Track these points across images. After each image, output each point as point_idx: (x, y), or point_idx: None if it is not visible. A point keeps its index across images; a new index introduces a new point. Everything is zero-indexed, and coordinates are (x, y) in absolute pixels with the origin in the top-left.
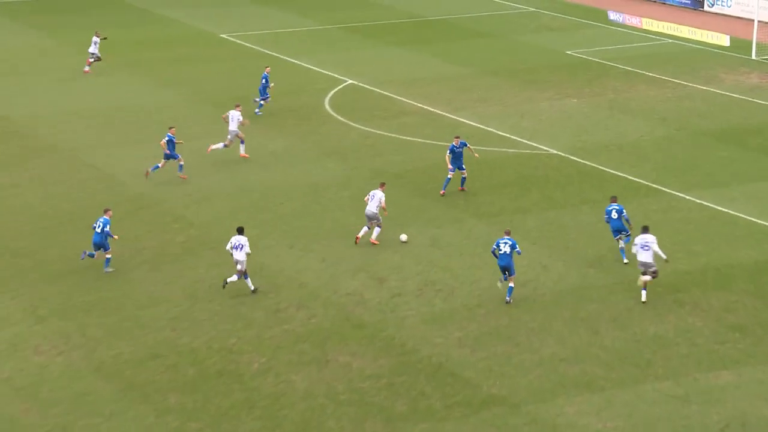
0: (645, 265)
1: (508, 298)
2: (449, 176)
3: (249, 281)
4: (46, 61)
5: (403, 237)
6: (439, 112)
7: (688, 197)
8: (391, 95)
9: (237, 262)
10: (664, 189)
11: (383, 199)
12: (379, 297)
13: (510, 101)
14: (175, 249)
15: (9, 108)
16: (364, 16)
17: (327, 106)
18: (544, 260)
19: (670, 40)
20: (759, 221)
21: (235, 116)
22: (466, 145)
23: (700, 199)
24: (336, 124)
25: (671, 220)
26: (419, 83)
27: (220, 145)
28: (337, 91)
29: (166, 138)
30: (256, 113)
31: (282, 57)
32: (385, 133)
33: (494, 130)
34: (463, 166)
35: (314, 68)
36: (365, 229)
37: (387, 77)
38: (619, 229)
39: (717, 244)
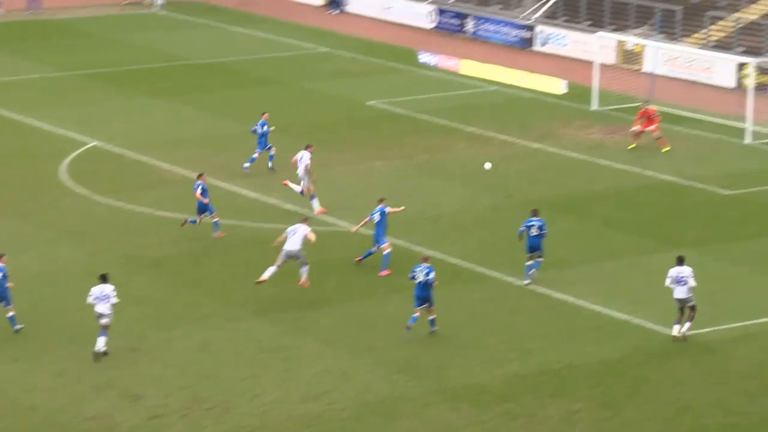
0: (681, 301)
1: (433, 329)
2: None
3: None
4: None
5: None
6: (210, 180)
7: (519, 282)
8: (148, 160)
9: (100, 315)
10: (489, 272)
11: (308, 232)
12: (133, 419)
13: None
14: None
15: None
16: (112, 59)
17: (64, 176)
18: (344, 366)
19: (495, 87)
20: (605, 310)
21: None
22: None
23: (533, 284)
24: (76, 198)
25: (499, 310)
26: (184, 145)
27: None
28: (76, 156)
29: (199, 188)
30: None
31: (3, 113)
32: (140, 209)
33: (279, 203)
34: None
35: (47, 127)
36: (272, 269)
37: (142, 137)
38: (535, 247)
39: (555, 339)
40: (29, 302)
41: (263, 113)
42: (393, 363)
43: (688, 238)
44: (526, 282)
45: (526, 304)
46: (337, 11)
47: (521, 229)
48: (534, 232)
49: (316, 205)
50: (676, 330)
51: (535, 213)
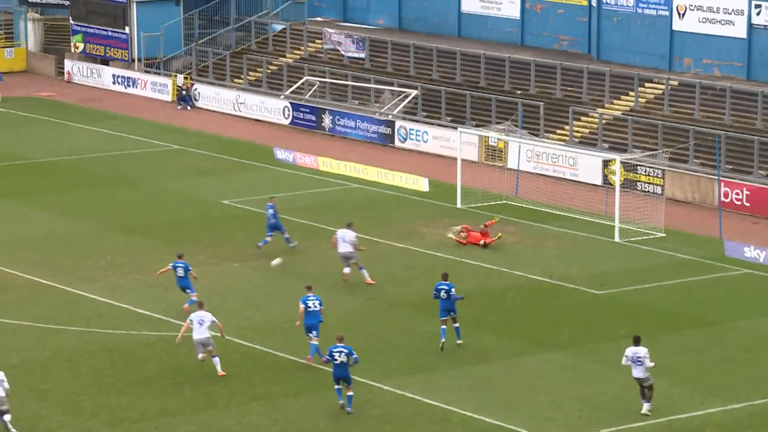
0: (639, 380)
1: (348, 409)
2: None
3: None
4: None
5: (277, 261)
6: (54, 284)
7: (385, 387)
8: None
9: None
10: (356, 378)
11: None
12: None
13: (150, 268)
14: None
15: None
16: None
17: None
18: None
19: (356, 185)
20: (475, 416)
21: (347, 237)
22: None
23: (401, 389)
24: None
25: (366, 417)
26: (24, 246)
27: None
28: None
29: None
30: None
31: None
32: None
33: (131, 308)
34: None
35: None
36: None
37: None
38: (449, 309)
39: None
40: None
41: (271, 197)
42: None
43: (560, 339)
44: (458, 342)
45: (395, 410)
46: (188, 107)
47: (434, 294)
48: (444, 295)
49: (366, 275)
50: (645, 408)
51: (445, 276)
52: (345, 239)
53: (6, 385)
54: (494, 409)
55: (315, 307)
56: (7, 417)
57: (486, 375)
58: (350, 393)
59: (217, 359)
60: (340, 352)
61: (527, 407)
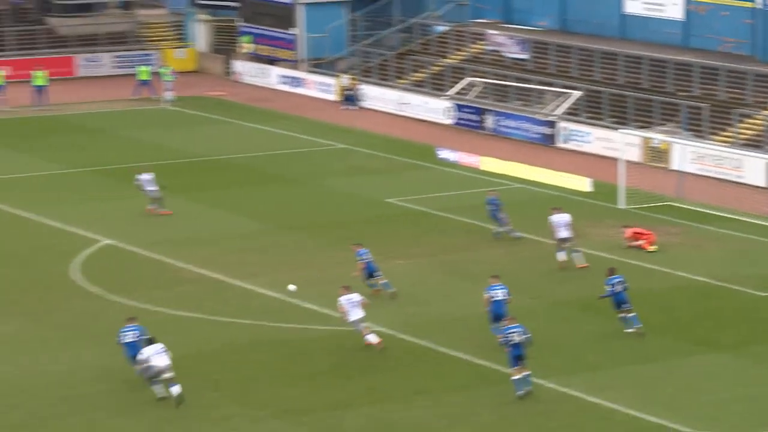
0: None
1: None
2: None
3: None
4: None
5: (292, 287)
6: (226, 279)
7: (549, 384)
8: (162, 259)
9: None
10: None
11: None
12: None
13: (318, 264)
14: None
15: None
16: (121, 156)
17: (75, 275)
18: None
19: (518, 185)
20: (640, 415)
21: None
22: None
23: (564, 387)
24: (88, 299)
25: (529, 414)
26: (197, 243)
27: None
28: (88, 255)
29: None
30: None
31: (8, 210)
32: (155, 308)
33: (299, 302)
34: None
35: (56, 224)
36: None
37: (155, 236)
38: (623, 301)
39: None
40: (39, 409)
41: (492, 190)
42: None
43: (724, 340)
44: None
45: (558, 408)
46: (353, 107)
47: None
48: (618, 288)
49: (579, 258)
50: None
51: (613, 271)
52: (561, 223)
53: (168, 355)
54: (658, 409)
55: (503, 296)
56: (174, 388)
57: (649, 375)
58: (526, 372)
59: (372, 336)
60: (515, 331)
61: (691, 407)
